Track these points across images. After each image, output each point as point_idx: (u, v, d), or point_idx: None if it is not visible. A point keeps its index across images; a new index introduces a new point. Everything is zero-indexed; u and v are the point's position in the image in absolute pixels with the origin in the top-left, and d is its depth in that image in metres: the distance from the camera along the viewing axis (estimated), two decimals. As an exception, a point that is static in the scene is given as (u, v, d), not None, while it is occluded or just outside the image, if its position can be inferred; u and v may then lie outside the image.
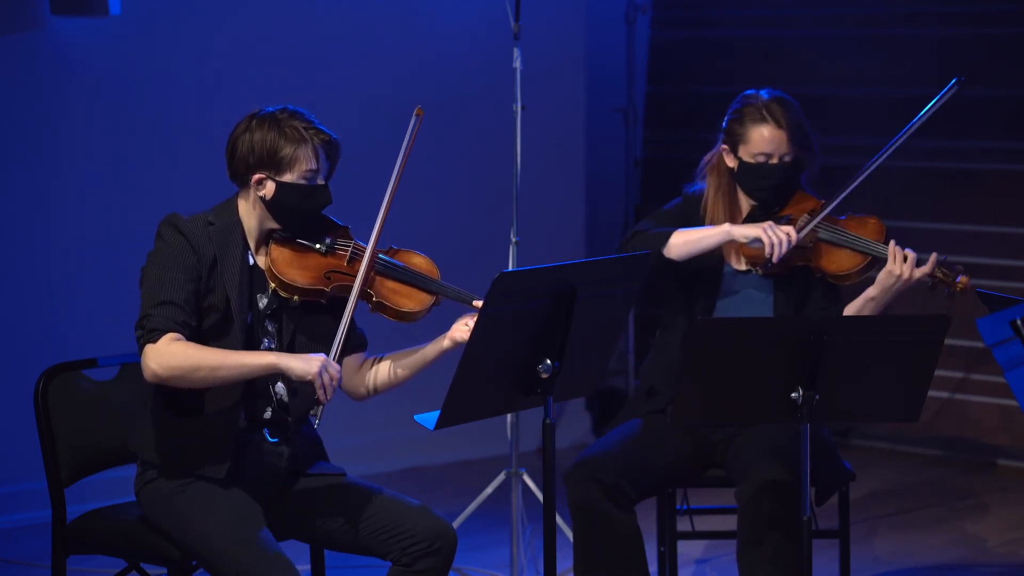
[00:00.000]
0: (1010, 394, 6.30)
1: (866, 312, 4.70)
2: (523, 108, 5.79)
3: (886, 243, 4.67)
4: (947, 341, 4.09)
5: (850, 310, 4.73)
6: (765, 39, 7.87)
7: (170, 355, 3.92)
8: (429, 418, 3.93)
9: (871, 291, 4.68)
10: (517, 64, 5.76)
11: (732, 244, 4.74)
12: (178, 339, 3.94)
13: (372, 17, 7.10)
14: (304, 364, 3.93)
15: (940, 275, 4.65)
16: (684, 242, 4.66)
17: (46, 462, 4.20)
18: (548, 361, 3.93)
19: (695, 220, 4.79)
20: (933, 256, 4.64)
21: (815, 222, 4.69)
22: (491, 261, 5.93)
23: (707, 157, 4.84)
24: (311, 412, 4.02)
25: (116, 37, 6.46)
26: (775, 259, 4.59)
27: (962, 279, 4.64)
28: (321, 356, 3.95)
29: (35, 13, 6.27)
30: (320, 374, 3.92)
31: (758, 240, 4.60)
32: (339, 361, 4.13)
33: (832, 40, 7.68)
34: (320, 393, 3.94)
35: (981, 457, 7.38)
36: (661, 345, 4.87)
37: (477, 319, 3.82)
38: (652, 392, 4.79)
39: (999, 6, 7.24)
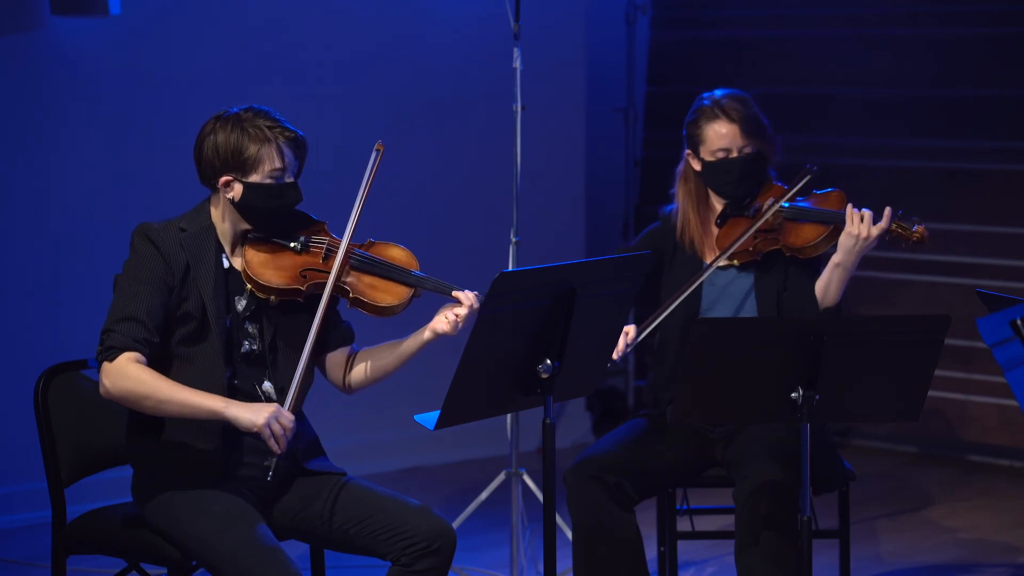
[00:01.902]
0: (1010, 394, 6.31)
1: (835, 279, 4.72)
2: (523, 108, 5.79)
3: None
4: (947, 341, 4.10)
5: (820, 283, 4.76)
6: (765, 39, 7.87)
7: (125, 377, 3.91)
8: (429, 418, 3.93)
9: (835, 257, 4.72)
10: (517, 64, 5.76)
11: (706, 241, 4.82)
12: (137, 359, 3.92)
13: (372, 18, 7.10)
14: (251, 415, 3.89)
15: (897, 228, 4.70)
16: None
17: (46, 462, 4.20)
18: (548, 361, 3.93)
19: (671, 236, 4.87)
20: (887, 210, 4.69)
21: (776, 205, 4.75)
22: (491, 261, 5.94)
23: (678, 168, 4.91)
24: (264, 463, 3.96)
25: (116, 37, 6.47)
26: (615, 356, 4.57)
27: (918, 228, 4.70)
28: (272, 406, 3.91)
29: (35, 13, 6.27)
30: (268, 425, 3.88)
31: None
32: (320, 354, 4.16)
33: (832, 40, 7.68)
34: (272, 444, 3.90)
35: (980, 457, 7.38)
36: (660, 348, 4.89)
37: (477, 319, 3.82)
38: (656, 403, 4.82)
39: (999, 6, 7.24)
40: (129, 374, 3.91)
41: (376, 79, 7.11)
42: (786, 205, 4.77)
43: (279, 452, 3.91)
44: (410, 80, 7.19)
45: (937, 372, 4.14)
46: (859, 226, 4.67)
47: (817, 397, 4.01)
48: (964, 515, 6.57)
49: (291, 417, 3.92)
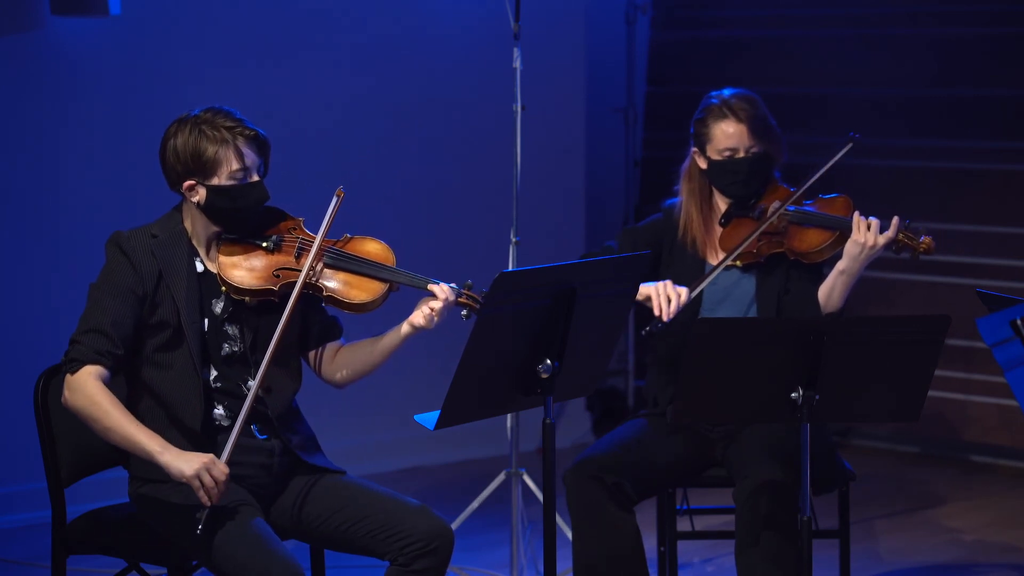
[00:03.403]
0: (1010, 394, 6.30)
1: (839, 286, 4.72)
2: (523, 108, 5.79)
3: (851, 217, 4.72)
4: (947, 341, 4.09)
5: (823, 289, 4.76)
6: (765, 39, 7.87)
7: (80, 395, 3.92)
8: (429, 418, 3.93)
9: (840, 264, 4.72)
10: (517, 64, 5.76)
11: (708, 241, 4.82)
12: (99, 374, 3.93)
13: (372, 17, 7.10)
14: (181, 465, 3.85)
15: (904, 238, 4.70)
16: None
17: (46, 462, 4.20)
18: (548, 361, 3.93)
19: (672, 232, 4.86)
20: (895, 220, 4.69)
21: (781, 208, 4.74)
22: (491, 261, 5.93)
23: (682, 166, 4.90)
24: (196, 515, 3.88)
25: (116, 37, 6.46)
26: (664, 317, 4.60)
27: (925, 239, 4.70)
28: (205, 457, 3.86)
29: (35, 13, 6.27)
30: (197, 476, 3.83)
31: (649, 299, 4.63)
32: (305, 350, 4.16)
33: (832, 40, 7.68)
34: (201, 496, 3.85)
35: (980, 457, 7.38)
36: (657, 354, 4.89)
37: (477, 319, 3.82)
38: (656, 402, 4.82)
39: (999, 6, 7.24)
40: (86, 391, 3.92)
41: (376, 79, 7.11)
42: (792, 209, 4.75)
43: (209, 504, 3.85)
44: (410, 80, 7.19)
45: (937, 372, 4.14)
46: (866, 234, 4.66)
47: (817, 397, 4.01)
48: (964, 515, 6.57)
49: (225, 470, 3.86)
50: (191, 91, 6.62)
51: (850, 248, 4.69)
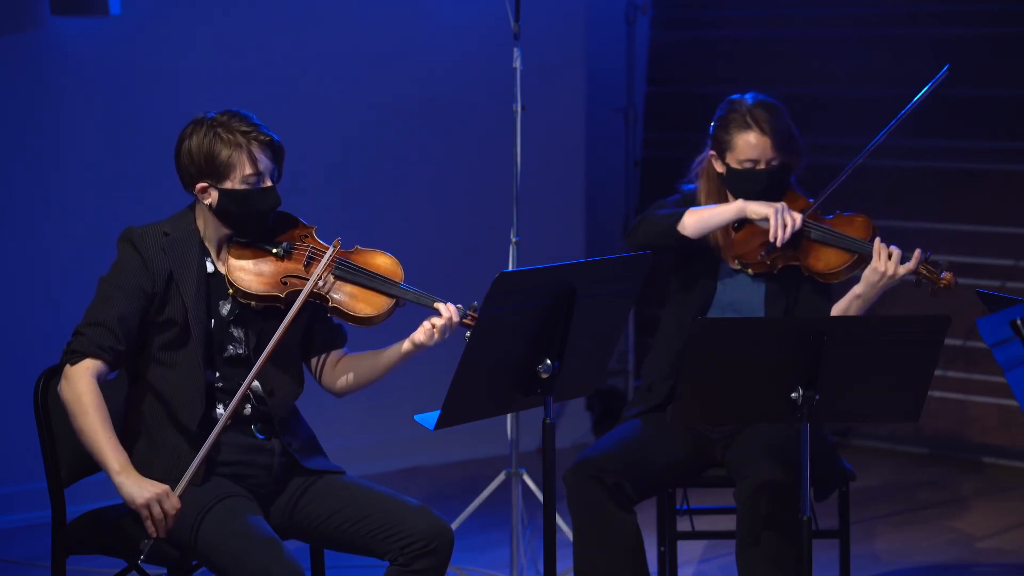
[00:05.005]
0: (1010, 394, 6.30)
1: (852, 310, 4.71)
2: (523, 108, 5.79)
3: (872, 241, 4.68)
4: (947, 341, 4.09)
5: (836, 309, 4.74)
6: (765, 39, 7.87)
7: (70, 390, 3.93)
8: (429, 418, 3.93)
9: (857, 289, 4.70)
10: (517, 64, 5.76)
11: (728, 244, 4.76)
12: (96, 370, 3.93)
13: (373, 17, 7.10)
14: (134, 491, 3.86)
15: (924, 272, 4.68)
16: (698, 219, 4.68)
17: (46, 462, 4.20)
18: (548, 361, 3.93)
19: None
20: (917, 253, 4.66)
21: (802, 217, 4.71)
22: (491, 261, 5.93)
23: (698, 159, 4.86)
24: (140, 543, 3.88)
25: (116, 37, 6.46)
26: (778, 243, 4.60)
27: (946, 275, 4.67)
28: (159, 488, 3.86)
29: (35, 13, 6.27)
30: (147, 506, 3.84)
31: (766, 220, 4.61)
32: (307, 357, 4.15)
33: (832, 40, 7.68)
34: (148, 526, 3.85)
35: (980, 457, 7.38)
36: (658, 346, 4.88)
37: (477, 319, 3.82)
38: (650, 389, 4.81)
39: (999, 6, 7.24)
40: (76, 388, 3.93)
41: (376, 79, 7.11)
42: (811, 224, 4.71)
43: (154, 536, 3.86)
44: (410, 80, 7.18)
45: (937, 372, 4.14)
46: (887, 263, 4.63)
47: (817, 397, 4.01)
48: (964, 515, 6.57)
49: (176, 504, 3.86)
50: (191, 91, 6.62)
51: (868, 275, 4.66)
